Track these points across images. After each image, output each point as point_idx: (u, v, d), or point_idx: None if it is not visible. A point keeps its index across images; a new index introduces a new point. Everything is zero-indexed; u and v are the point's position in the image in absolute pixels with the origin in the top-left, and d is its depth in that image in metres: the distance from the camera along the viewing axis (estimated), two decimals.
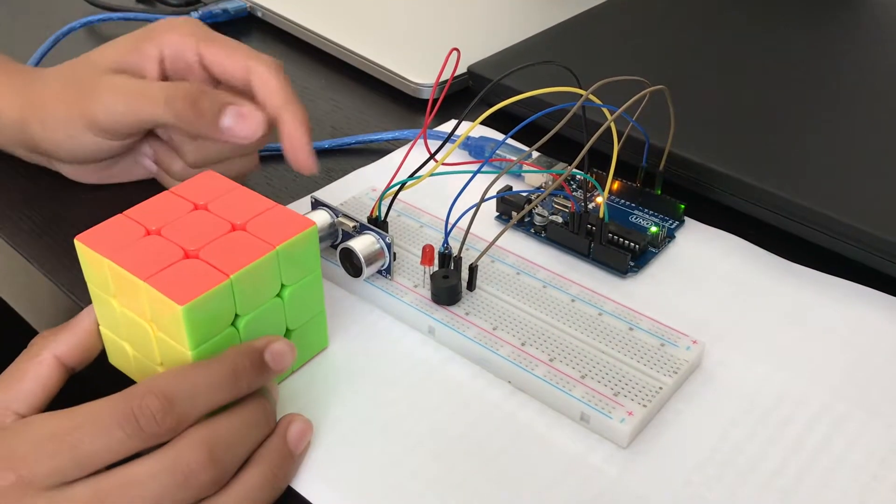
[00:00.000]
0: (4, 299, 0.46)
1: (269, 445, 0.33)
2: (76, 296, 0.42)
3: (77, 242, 0.34)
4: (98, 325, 0.36)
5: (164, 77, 0.45)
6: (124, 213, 0.35)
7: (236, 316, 0.33)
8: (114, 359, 0.37)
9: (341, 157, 0.53)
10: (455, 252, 0.40)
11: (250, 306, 0.34)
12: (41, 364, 0.34)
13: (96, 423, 0.29)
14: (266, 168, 0.52)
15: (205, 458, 0.30)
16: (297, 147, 0.42)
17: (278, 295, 0.35)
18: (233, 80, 0.43)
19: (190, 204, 0.36)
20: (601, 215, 0.42)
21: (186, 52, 0.44)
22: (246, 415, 0.32)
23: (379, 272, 0.41)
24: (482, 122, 0.39)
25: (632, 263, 0.43)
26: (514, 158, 0.48)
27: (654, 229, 0.44)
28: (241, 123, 0.41)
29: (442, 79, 0.55)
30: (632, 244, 0.43)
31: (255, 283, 0.33)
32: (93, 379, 0.36)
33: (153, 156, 0.48)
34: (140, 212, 0.35)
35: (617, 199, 0.47)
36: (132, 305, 0.33)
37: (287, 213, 0.36)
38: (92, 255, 0.33)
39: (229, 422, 0.32)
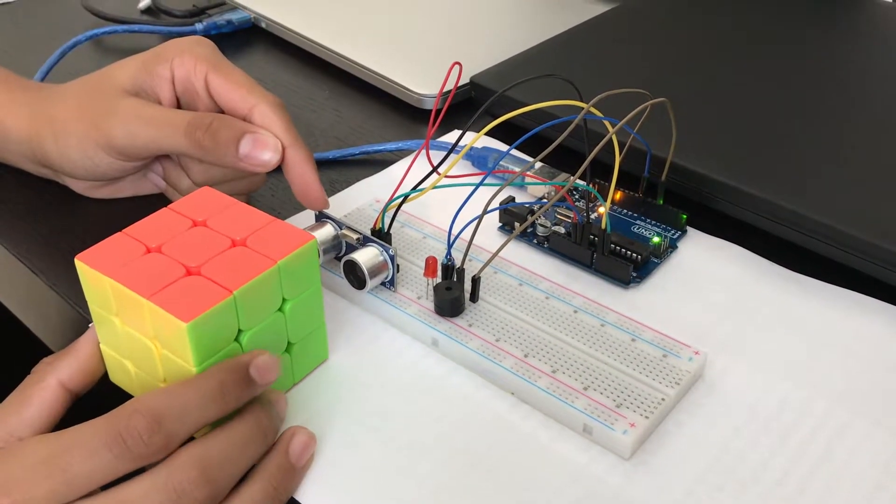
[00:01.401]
0: (12, 312, 0.46)
1: (270, 460, 0.33)
2: (81, 308, 0.43)
3: (77, 262, 0.34)
4: (99, 348, 0.36)
5: (177, 98, 0.45)
6: (123, 231, 0.35)
7: (239, 331, 0.33)
8: (115, 377, 0.37)
9: (345, 168, 0.54)
10: (458, 263, 0.40)
11: (253, 321, 0.34)
12: (45, 390, 0.34)
13: (85, 445, 0.29)
14: (270, 180, 0.52)
15: (197, 476, 0.30)
16: (309, 186, 0.42)
17: (280, 309, 0.35)
18: (234, 114, 0.43)
19: (189, 221, 0.36)
20: (603, 226, 0.42)
21: (195, 78, 0.44)
22: (241, 431, 0.32)
23: (382, 284, 0.41)
24: (485, 134, 0.39)
25: (634, 274, 0.43)
26: (517, 170, 0.48)
27: (656, 239, 0.44)
28: (259, 151, 0.41)
29: (445, 90, 0.55)
30: (634, 254, 0.43)
31: (258, 298, 0.34)
32: (96, 394, 0.37)
33: (162, 173, 0.48)
34: (139, 230, 0.35)
35: (619, 210, 0.47)
36: (135, 324, 0.33)
37: (286, 227, 0.36)
38: (93, 274, 0.33)
39: (223, 439, 0.32)
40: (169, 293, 0.32)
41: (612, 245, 0.44)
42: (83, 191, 0.49)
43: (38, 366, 0.35)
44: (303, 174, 0.42)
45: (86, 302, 0.35)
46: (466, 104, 0.57)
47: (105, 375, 0.37)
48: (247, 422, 0.33)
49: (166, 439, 0.30)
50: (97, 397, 0.36)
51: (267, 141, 0.41)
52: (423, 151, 0.41)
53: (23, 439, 0.33)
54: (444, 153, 0.41)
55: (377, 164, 0.54)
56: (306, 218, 0.48)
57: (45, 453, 0.30)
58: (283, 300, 0.35)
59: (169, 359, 0.33)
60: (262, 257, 0.34)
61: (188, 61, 0.44)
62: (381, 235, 0.42)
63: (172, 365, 0.33)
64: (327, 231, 0.42)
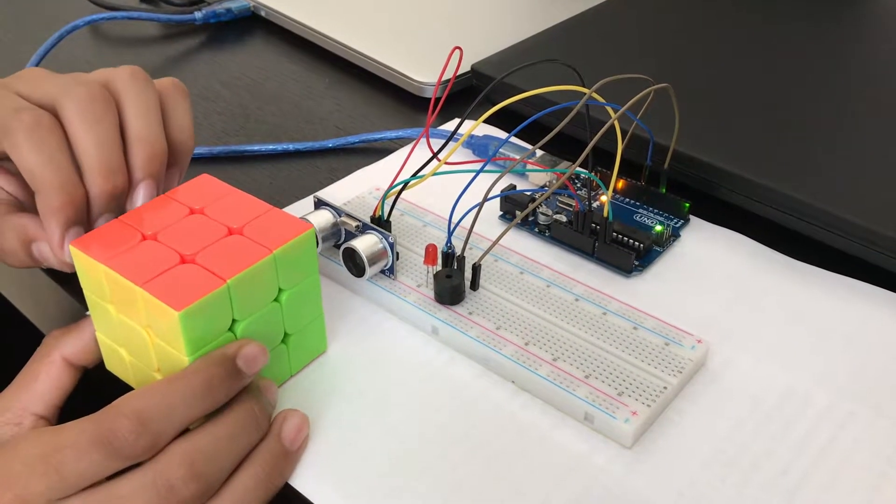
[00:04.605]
0: (11, 302, 0.46)
1: (262, 446, 0.33)
2: (77, 295, 0.42)
3: (72, 248, 0.33)
4: None
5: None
6: (119, 218, 0.35)
7: (234, 321, 0.33)
8: (111, 365, 0.36)
9: (344, 156, 0.53)
10: (458, 251, 0.40)
11: (248, 311, 0.33)
12: (52, 365, 0.35)
13: (75, 445, 0.29)
14: (269, 167, 0.52)
15: (186, 472, 0.30)
16: (54, 245, 0.35)
17: (276, 299, 0.35)
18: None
19: (186, 208, 0.35)
20: (605, 214, 0.42)
21: None
22: (230, 423, 0.32)
23: (382, 272, 0.41)
24: (485, 121, 0.39)
25: (636, 262, 0.43)
26: (518, 157, 0.48)
27: (658, 228, 0.44)
28: (47, 256, 0.37)
29: (445, 77, 0.55)
30: (636, 243, 0.43)
31: (253, 288, 0.33)
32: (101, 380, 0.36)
33: None
34: (135, 217, 0.35)
35: (621, 198, 0.47)
36: (129, 311, 0.33)
37: (283, 216, 0.35)
38: (87, 260, 0.33)
39: (212, 432, 0.31)
40: (162, 281, 0.32)
41: (614, 233, 0.43)
42: None
43: (46, 340, 0.36)
44: (48, 230, 0.35)
45: (81, 289, 0.35)
46: (467, 92, 0.56)
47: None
48: (238, 412, 0.32)
49: (153, 440, 0.30)
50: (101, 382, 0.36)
51: (43, 251, 0.36)
52: (423, 139, 0.40)
53: (38, 414, 0.34)
54: (444, 141, 0.41)
55: (377, 152, 0.53)
56: (306, 205, 0.47)
57: (41, 451, 0.30)
58: (280, 290, 0.35)
59: (162, 348, 0.32)
60: (257, 246, 0.33)
61: None
62: (381, 223, 0.42)
63: (165, 354, 0.32)
64: (326, 218, 0.41)
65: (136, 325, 0.33)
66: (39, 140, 0.34)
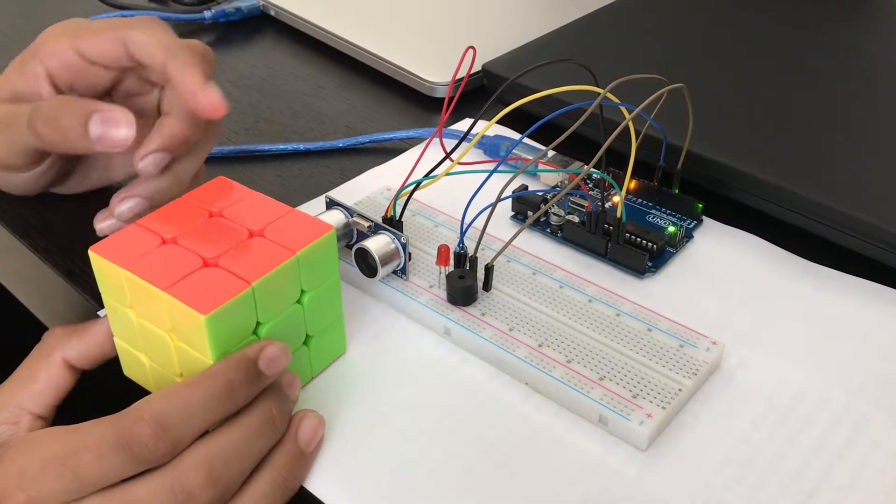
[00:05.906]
0: (20, 299, 0.46)
1: (278, 448, 0.33)
2: (92, 298, 0.42)
3: (91, 253, 0.33)
4: (111, 333, 0.35)
5: (61, 92, 0.41)
6: (137, 222, 0.35)
7: (258, 323, 0.33)
8: (129, 370, 0.36)
9: (355, 156, 0.53)
10: (471, 252, 0.39)
11: (272, 313, 0.33)
12: (52, 366, 0.35)
13: (94, 448, 0.29)
14: (279, 168, 0.52)
15: (203, 478, 0.30)
16: (194, 90, 0.37)
17: (298, 301, 0.35)
18: (118, 62, 0.40)
19: (205, 211, 0.35)
20: (618, 215, 0.42)
21: (66, 56, 0.40)
22: (248, 426, 0.32)
23: (394, 272, 0.41)
24: (497, 122, 0.39)
25: (649, 263, 0.43)
26: (530, 158, 0.47)
27: (671, 229, 0.44)
28: (112, 129, 0.37)
29: (458, 77, 0.54)
30: (649, 244, 0.43)
31: (277, 290, 0.33)
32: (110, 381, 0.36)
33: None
34: (154, 220, 0.35)
35: (634, 199, 0.47)
36: (150, 316, 0.33)
37: (304, 217, 0.35)
38: (107, 265, 0.33)
39: (230, 436, 0.31)
40: (186, 285, 0.31)
41: (628, 234, 0.43)
42: (23, 191, 0.46)
43: (48, 337, 0.35)
44: (185, 80, 0.38)
45: (97, 293, 0.34)
46: (478, 92, 0.56)
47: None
48: (256, 414, 0.32)
49: (172, 445, 0.30)
50: (111, 385, 0.36)
51: (117, 117, 0.37)
52: (435, 139, 0.40)
53: (35, 413, 0.34)
54: (456, 141, 0.40)
55: (388, 152, 0.53)
56: (317, 205, 0.47)
57: (57, 452, 0.30)
58: (302, 292, 0.35)
59: (185, 352, 0.32)
60: (280, 248, 0.33)
61: (52, 46, 0.40)
62: (393, 223, 0.42)
63: (189, 358, 0.32)
64: (338, 218, 0.41)
65: (158, 330, 0.33)
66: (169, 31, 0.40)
